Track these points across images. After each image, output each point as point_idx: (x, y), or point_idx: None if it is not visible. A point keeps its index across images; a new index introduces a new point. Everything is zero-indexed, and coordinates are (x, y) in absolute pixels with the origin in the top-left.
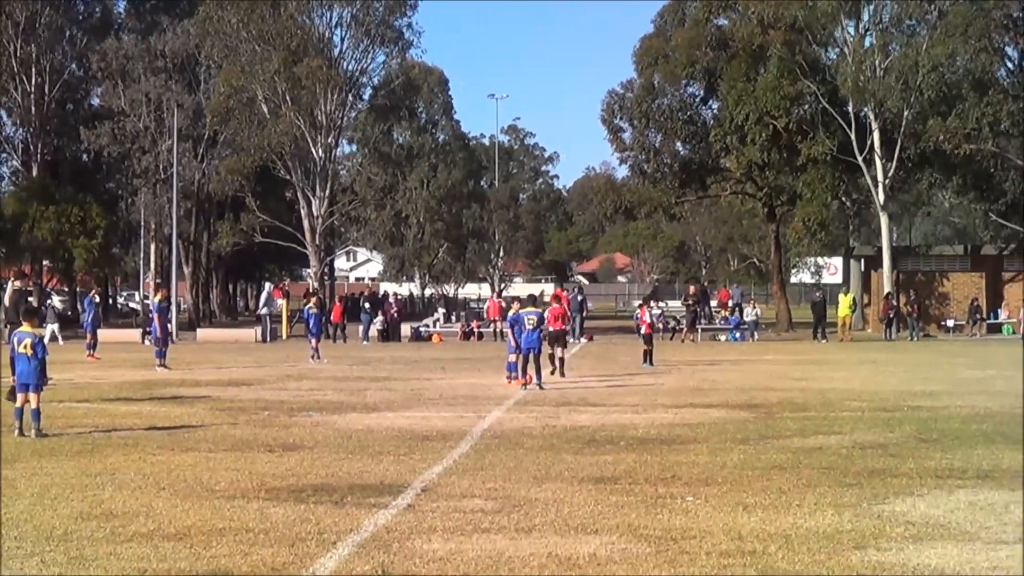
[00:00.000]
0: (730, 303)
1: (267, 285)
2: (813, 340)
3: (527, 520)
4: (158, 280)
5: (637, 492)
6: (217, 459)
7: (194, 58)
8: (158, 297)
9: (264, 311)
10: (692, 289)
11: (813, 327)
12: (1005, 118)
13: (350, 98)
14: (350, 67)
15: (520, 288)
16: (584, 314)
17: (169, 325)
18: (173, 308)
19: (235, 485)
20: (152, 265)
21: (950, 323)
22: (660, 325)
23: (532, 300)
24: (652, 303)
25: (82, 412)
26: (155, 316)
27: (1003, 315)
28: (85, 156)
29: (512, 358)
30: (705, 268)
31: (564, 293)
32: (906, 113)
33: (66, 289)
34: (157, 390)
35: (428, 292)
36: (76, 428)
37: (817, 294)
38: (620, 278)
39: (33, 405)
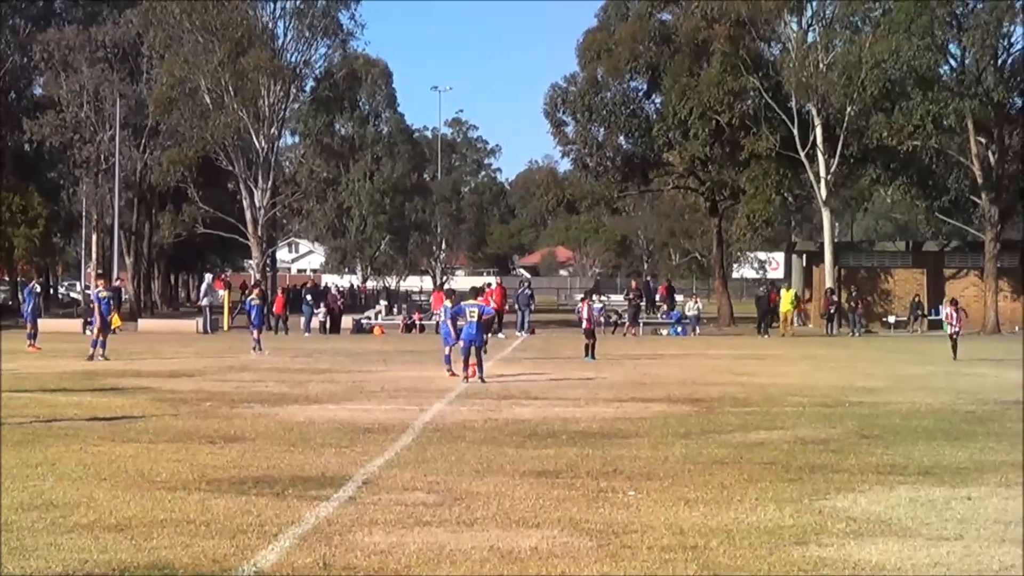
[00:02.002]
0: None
1: (207, 276)
2: (758, 335)
3: (469, 513)
4: (99, 270)
5: (579, 486)
6: (158, 450)
7: (136, 48)
8: (100, 286)
9: (205, 302)
10: (634, 283)
11: (757, 322)
12: (948, 115)
13: (293, 90)
14: (293, 59)
15: (462, 281)
16: (531, 308)
17: (114, 315)
18: (122, 295)
19: (176, 476)
20: (94, 255)
21: (892, 319)
22: (601, 319)
23: (474, 293)
24: (594, 297)
25: (23, 402)
26: (95, 306)
27: (944, 312)
28: (27, 146)
29: (447, 350)
30: (647, 262)
31: (490, 289)
32: (849, 109)
33: (6, 279)
34: (98, 380)
35: (370, 284)
36: (16, 418)
37: (761, 289)
38: (562, 272)
39: None
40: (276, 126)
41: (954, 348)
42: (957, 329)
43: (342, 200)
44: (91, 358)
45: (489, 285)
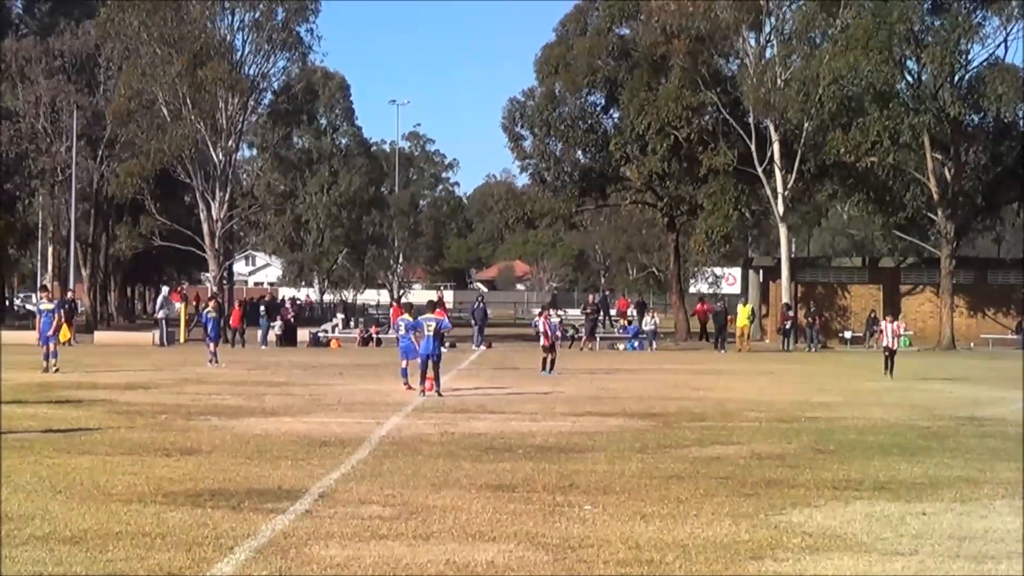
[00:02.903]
0: (629, 312)
1: (164, 289)
2: (715, 350)
3: (425, 527)
4: (45, 283)
5: (535, 500)
6: (114, 463)
7: (94, 59)
8: (43, 299)
9: (161, 315)
10: (591, 298)
11: (714, 337)
12: (905, 131)
13: (251, 102)
14: (251, 71)
15: (419, 295)
16: (485, 322)
17: (64, 327)
18: (76, 307)
19: (132, 489)
20: (50, 267)
21: (848, 335)
22: (558, 333)
23: (431, 307)
24: (552, 311)
25: None
26: (41, 317)
27: (900, 327)
28: None
29: (404, 363)
30: (604, 277)
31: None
32: (806, 125)
33: None
34: (54, 392)
35: (327, 298)
36: None
37: (718, 304)
38: (519, 286)
39: None
40: (234, 139)
41: (888, 364)
42: (893, 348)
43: (299, 213)
44: (46, 371)
45: (442, 299)
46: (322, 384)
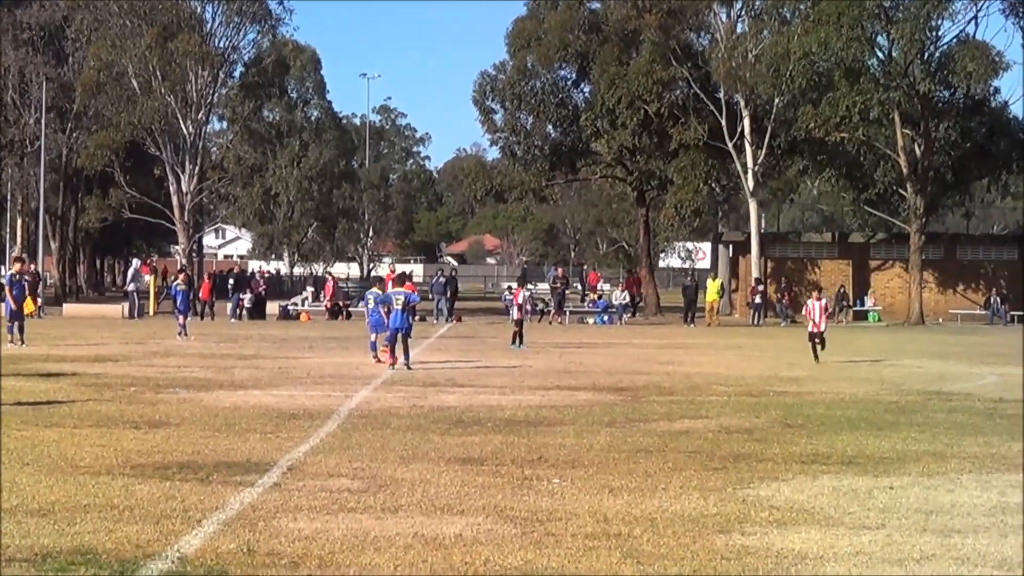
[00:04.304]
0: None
1: (135, 261)
2: (684, 324)
3: (393, 500)
4: (15, 254)
5: (503, 473)
6: (82, 435)
7: (63, 31)
8: (14, 270)
9: (131, 287)
10: (560, 271)
11: (684, 311)
12: (875, 107)
13: (221, 75)
14: (221, 44)
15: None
16: (455, 296)
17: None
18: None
19: (100, 461)
20: (19, 239)
21: None
22: (528, 307)
23: (400, 280)
24: (524, 285)
25: None
26: (6, 289)
27: (869, 303)
28: None
29: (373, 337)
30: (574, 251)
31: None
32: (777, 100)
33: None
34: (22, 365)
35: (297, 271)
36: None
37: (688, 279)
38: (489, 260)
39: None
40: (204, 111)
41: (815, 349)
42: (821, 329)
43: (269, 186)
44: (12, 343)
45: (393, 271)
46: (291, 357)
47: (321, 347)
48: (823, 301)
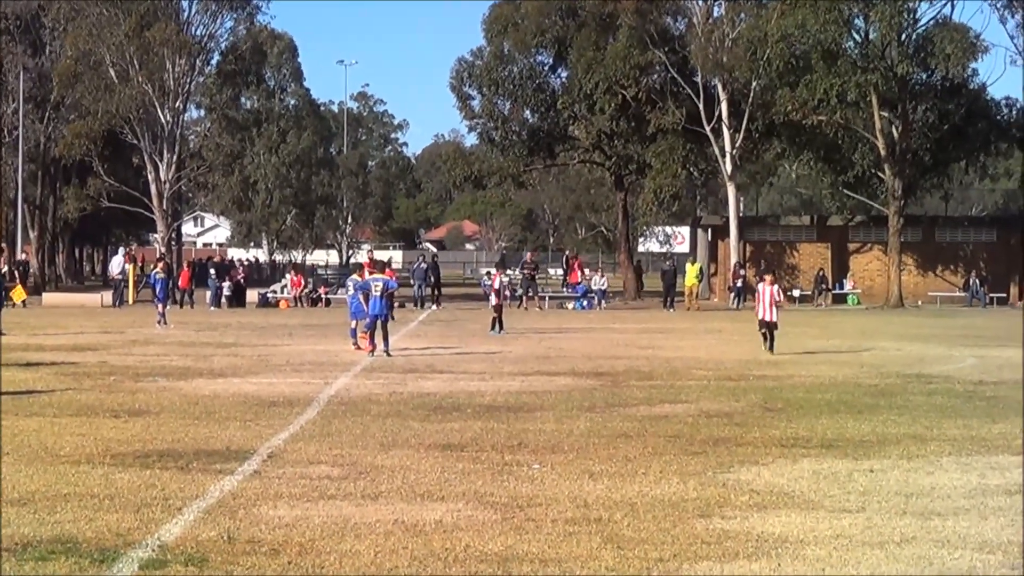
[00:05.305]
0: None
1: (120, 250)
2: (664, 309)
3: (373, 487)
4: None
5: (483, 459)
6: (62, 424)
7: (39, 20)
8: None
9: (119, 275)
10: (529, 256)
11: (663, 296)
12: (853, 89)
13: (198, 63)
14: (198, 32)
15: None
16: (426, 281)
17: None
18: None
19: (80, 450)
20: None
21: (796, 293)
22: (507, 292)
23: (380, 267)
24: (503, 270)
25: None
26: None
27: (848, 286)
28: None
29: (353, 324)
30: (553, 236)
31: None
32: (754, 84)
33: None
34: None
35: (276, 258)
36: None
37: (667, 263)
38: (468, 246)
39: None
40: (181, 100)
41: (768, 338)
42: (769, 319)
43: (248, 174)
44: None
45: (371, 258)
46: (271, 345)
47: (300, 334)
48: (774, 287)
